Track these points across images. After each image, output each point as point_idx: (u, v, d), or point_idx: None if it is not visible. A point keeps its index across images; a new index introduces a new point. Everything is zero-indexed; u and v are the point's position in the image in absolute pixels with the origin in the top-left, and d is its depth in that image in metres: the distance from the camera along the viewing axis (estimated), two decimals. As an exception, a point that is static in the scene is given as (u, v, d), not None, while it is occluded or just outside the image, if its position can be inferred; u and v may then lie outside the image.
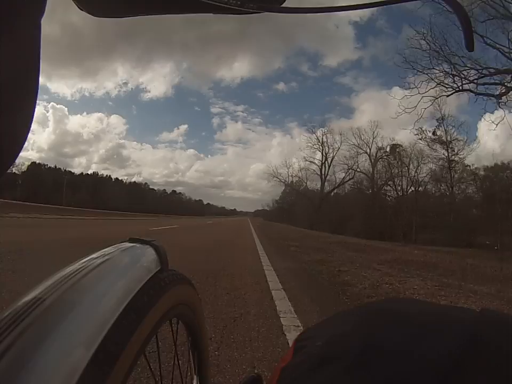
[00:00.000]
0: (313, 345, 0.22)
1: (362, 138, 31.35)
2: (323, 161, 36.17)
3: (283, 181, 38.64)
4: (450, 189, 23.25)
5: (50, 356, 0.18)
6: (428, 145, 23.88)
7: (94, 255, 0.29)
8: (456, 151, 23.01)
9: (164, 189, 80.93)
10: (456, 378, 0.16)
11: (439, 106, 19.44)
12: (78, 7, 0.24)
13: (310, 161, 36.94)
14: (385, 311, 0.23)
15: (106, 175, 61.21)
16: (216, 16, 0.26)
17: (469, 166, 23.64)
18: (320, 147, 36.05)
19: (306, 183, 37.23)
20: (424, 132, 23.56)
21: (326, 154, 35.53)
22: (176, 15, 0.27)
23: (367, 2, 0.24)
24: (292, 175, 38.59)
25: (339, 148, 34.03)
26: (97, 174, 59.74)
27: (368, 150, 30.96)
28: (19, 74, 0.17)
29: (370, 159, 30.74)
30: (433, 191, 25.01)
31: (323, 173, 35.63)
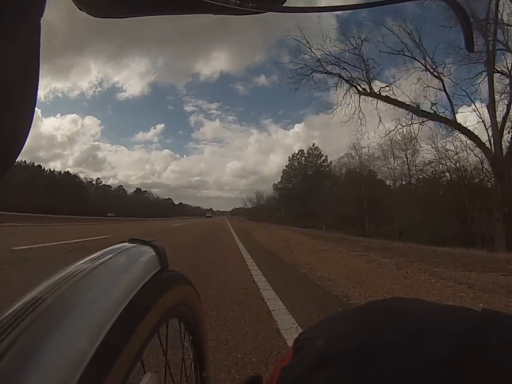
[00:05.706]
0: (313, 345, 0.22)
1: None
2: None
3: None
4: None
5: (51, 355, 0.18)
6: None
7: (94, 256, 0.29)
8: None
9: (120, 185, 62.41)
10: (456, 378, 0.16)
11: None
12: (78, 7, 0.24)
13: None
14: (385, 311, 0.23)
15: (24, 161, 36.65)
16: (215, 16, 0.26)
17: None
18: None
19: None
20: None
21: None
22: (176, 15, 0.27)
23: (366, 2, 0.24)
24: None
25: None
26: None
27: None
28: (19, 74, 0.17)
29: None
30: None
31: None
